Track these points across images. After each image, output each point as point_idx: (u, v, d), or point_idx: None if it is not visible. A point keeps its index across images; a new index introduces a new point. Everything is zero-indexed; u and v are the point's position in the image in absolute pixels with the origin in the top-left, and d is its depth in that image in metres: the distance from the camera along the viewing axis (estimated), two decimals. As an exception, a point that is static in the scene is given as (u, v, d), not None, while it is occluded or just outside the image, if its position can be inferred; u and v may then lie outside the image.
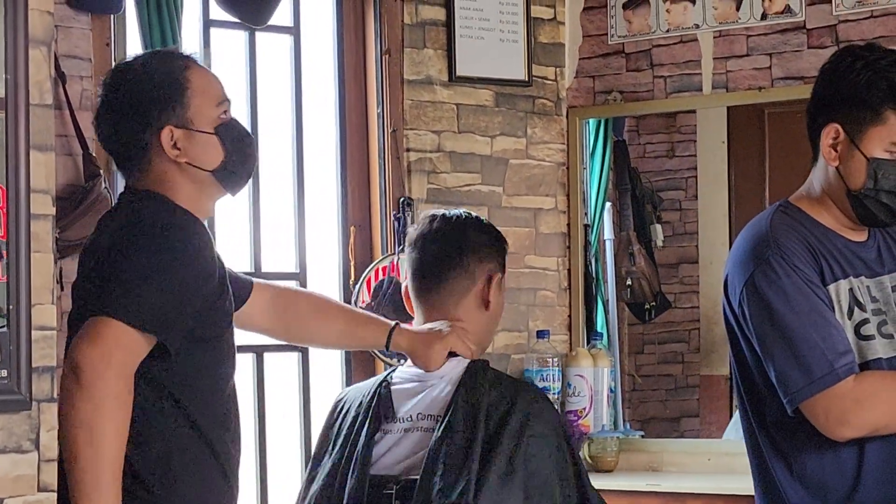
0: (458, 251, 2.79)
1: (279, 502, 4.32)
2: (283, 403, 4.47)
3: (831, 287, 2.65)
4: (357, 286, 4.44)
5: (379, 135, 4.61)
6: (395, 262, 4.48)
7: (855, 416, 2.56)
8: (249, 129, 2.88)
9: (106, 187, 3.72)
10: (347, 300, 4.40)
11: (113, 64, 3.87)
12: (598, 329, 4.94)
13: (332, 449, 2.76)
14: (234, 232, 4.33)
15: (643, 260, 5.20)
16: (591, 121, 4.99)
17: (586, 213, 4.97)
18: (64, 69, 3.74)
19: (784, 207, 2.73)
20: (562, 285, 4.90)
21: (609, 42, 4.90)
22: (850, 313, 2.65)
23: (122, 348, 2.46)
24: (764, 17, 4.64)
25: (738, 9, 4.68)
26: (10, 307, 2.23)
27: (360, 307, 4.22)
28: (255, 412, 4.33)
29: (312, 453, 2.86)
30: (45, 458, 2.29)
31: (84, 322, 2.50)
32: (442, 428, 2.62)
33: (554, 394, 4.65)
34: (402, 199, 4.56)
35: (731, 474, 4.38)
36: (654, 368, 5.32)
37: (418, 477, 2.60)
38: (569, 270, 4.92)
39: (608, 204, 5.09)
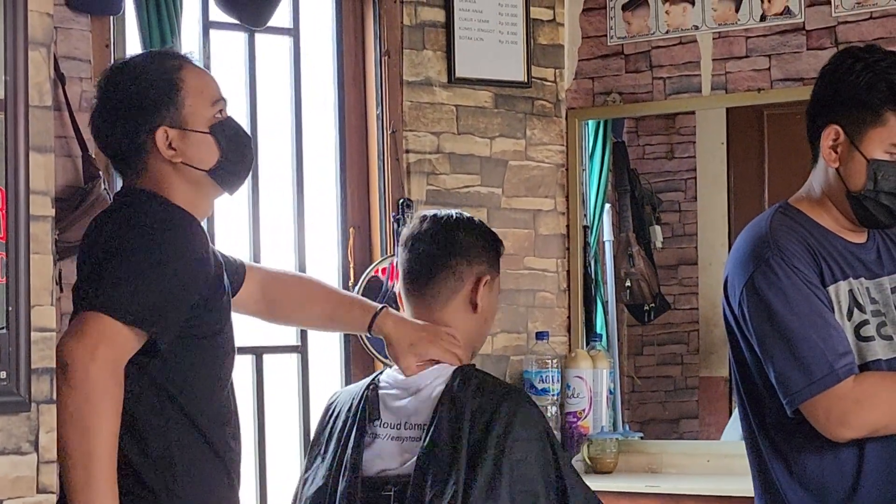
0: (446, 253, 2.78)
1: (279, 503, 4.33)
2: (283, 404, 4.47)
3: (831, 288, 2.65)
4: (357, 288, 4.44)
5: (378, 136, 4.61)
6: (394, 264, 4.48)
7: (855, 417, 2.56)
8: (249, 131, 2.88)
9: (105, 189, 3.72)
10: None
11: (112, 66, 3.88)
12: (598, 330, 4.94)
13: (325, 452, 2.77)
14: (233, 233, 4.32)
15: (642, 261, 5.20)
16: (590, 122, 4.99)
17: (585, 215, 4.97)
18: (63, 71, 3.74)
19: (784, 209, 2.74)
20: (561, 287, 4.90)
21: (608, 43, 4.90)
22: (850, 314, 2.65)
23: (106, 342, 2.47)
24: (763, 18, 4.64)
25: (737, 10, 4.68)
26: (10, 309, 2.22)
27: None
28: (254, 413, 4.32)
29: (307, 456, 2.87)
30: (44, 460, 2.28)
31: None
32: (427, 438, 2.61)
33: (553, 395, 4.65)
34: (401, 201, 4.56)
35: (730, 476, 4.37)
36: (654, 370, 5.32)
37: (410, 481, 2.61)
38: (568, 272, 4.92)
39: (607, 205, 5.09)
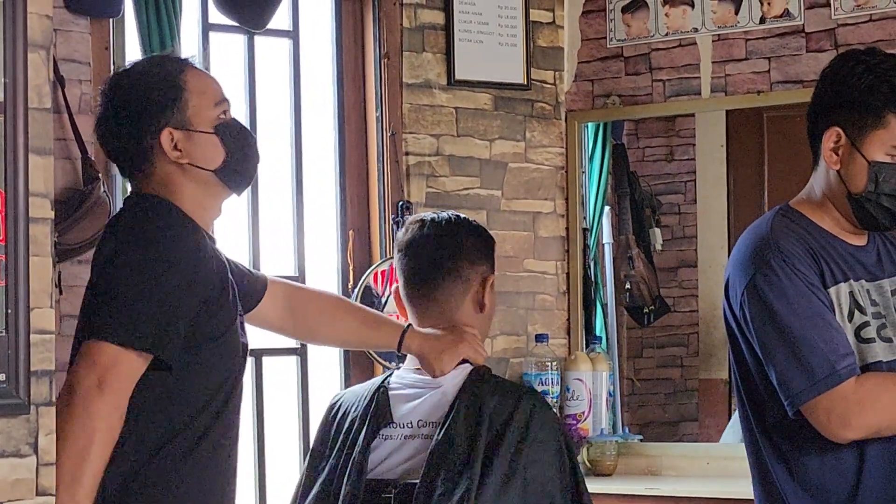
0: (453, 257, 2.78)
1: (278, 505, 4.33)
2: (282, 406, 4.46)
3: (832, 290, 2.65)
4: (357, 289, 4.43)
5: (378, 138, 4.61)
6: (393, 266, 4.47)
7: (857, 418, 2.56)
8: (249, 133, 2.88)
9: (105, 191, 3.72)
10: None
11: (112, 68, 3.88)
12: (597, 333, 4.94)
13: (330, 453, 2.76)
14: (233, 236, 4.32)
15: (642, 264, 5.20)
16: (589, 124, 4.99)
17: (585, 217, 4.97)
18: (63, 73, 3.74)
19: (784, 211, 2.74)
20: (560, 289, 4.90)
21: (608, 46, 4.90)
22: (851, 316, 2.65)
23: (117, 373, 2.50)
24: (763, 20, 4.64)
25: (736, 13, 4.68)
26: (9, 311, 2.22)
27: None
28: (253, 415, 4.32)
29: (308, 455, 2.86)
30: (43, 462, 2.28)
31: (82, 343, 2.54)
32: (442, 433, 2.61)
33: (553, 398, 4.65)
34: (400, 203, 4.56)
35: (729, 478, 4.38)
36: (653, 372, 5.32)
37: (417, 481, 2.60)
38: (567, 274, 4.92)
39: (607, 208, 5.09)
